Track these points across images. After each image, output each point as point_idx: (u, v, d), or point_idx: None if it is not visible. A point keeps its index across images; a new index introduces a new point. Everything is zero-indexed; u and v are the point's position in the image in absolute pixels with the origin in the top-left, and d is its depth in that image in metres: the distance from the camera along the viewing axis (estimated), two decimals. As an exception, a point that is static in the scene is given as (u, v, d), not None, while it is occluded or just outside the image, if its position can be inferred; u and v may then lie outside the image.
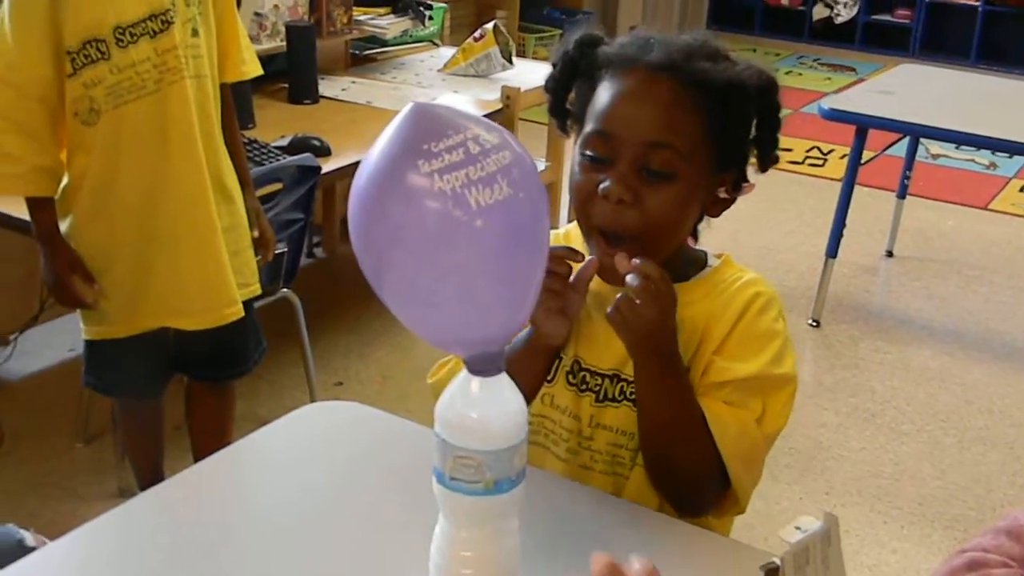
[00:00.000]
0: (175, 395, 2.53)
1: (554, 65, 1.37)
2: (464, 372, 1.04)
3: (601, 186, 1.24)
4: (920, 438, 3.16)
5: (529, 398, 1.30)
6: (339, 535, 1.23)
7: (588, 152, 1.28)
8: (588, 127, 1.29)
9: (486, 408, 1.03)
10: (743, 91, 1.27)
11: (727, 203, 1.34)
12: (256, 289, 2.34)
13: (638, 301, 1.21)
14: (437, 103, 1.05)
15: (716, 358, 1.30)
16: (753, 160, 1.34)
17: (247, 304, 2.31)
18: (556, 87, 1.37)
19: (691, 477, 1.28)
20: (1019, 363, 3.67)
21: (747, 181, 1.34)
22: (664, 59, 1.27)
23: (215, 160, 2.19)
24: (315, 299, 2.98)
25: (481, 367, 1.03)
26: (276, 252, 2.64)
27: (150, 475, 2.49)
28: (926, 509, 2.83)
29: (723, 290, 1.34)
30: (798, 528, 0.80)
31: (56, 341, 3.24)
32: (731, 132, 1.29)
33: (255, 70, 2.36)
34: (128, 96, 2.05)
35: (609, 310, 1.23)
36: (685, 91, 1.25)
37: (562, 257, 1.26)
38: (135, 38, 2.03)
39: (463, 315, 1.01)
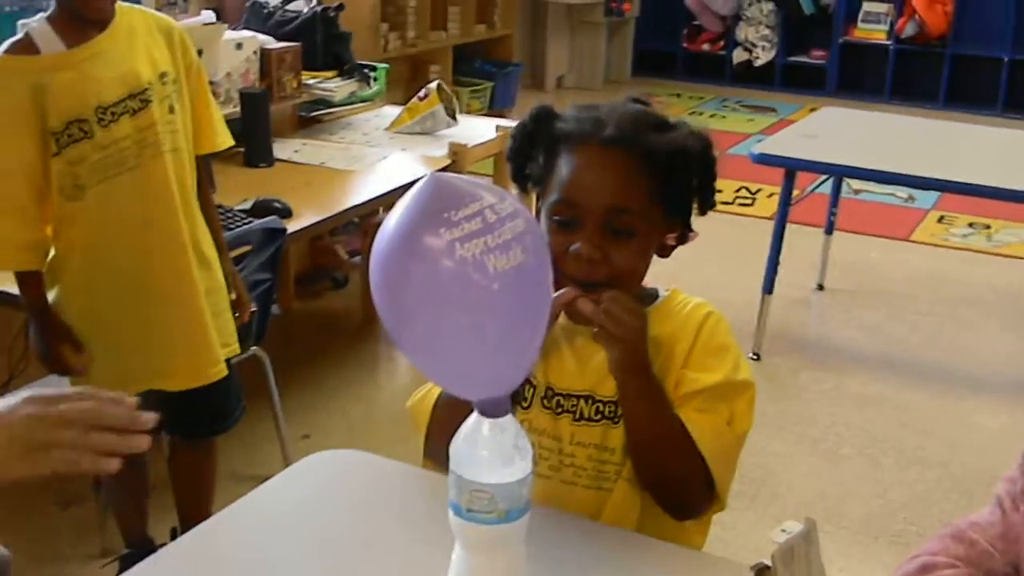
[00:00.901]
0: (154, 453, 2.61)
1: (513, 138, 1.56)
2: (474, 416, 1.17)
3: (572, 247, 1.43)
4: (860, 460, 3.34)
5: None
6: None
7: (556, 217, 1.46)
8: (554, 195, 1.47)
9: (496, 447, 1.16)
10: (685, 155, 1.48)
11: (674, 247, 1.54)
12: (236, 348, 2.46)
13: (619, 317, 1.38)
14: (451, 174, 1.18)
15: (686, 371, 1.48)
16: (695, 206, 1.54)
17: (227, 363, 2.42)
18: (516, 156, 1.56)
19: (682, 482, 1.45)
20: (947, 385, 3.89)
21: (691, 231, 1.54)
22: (616, 135, 1.45)
23: (192, 227, 2.31)
24: (275, 354, 3.07)
25: (491, 410, 1.16)
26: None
27: (138, 533, 2.58)
28: (870, 527, 2.99)
29: (677, 313, 1.54)
30: (784, 531, 0.94)
31: (23, 408, 3.28)
32: (676, 190, 1.48)
33: (227, 141, 2.48)
34: (111, 171, 2.17)
35: (595, 330, 1.40)
36: (637, 161, 1.45)
37: None
38: (116, 117, 2.15)
39: (476, 365, 1.14)
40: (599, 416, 1.50)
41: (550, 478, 1.51)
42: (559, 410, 1.51)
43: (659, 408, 1.44)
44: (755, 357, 3.94)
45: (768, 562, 0.97)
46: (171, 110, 2.24)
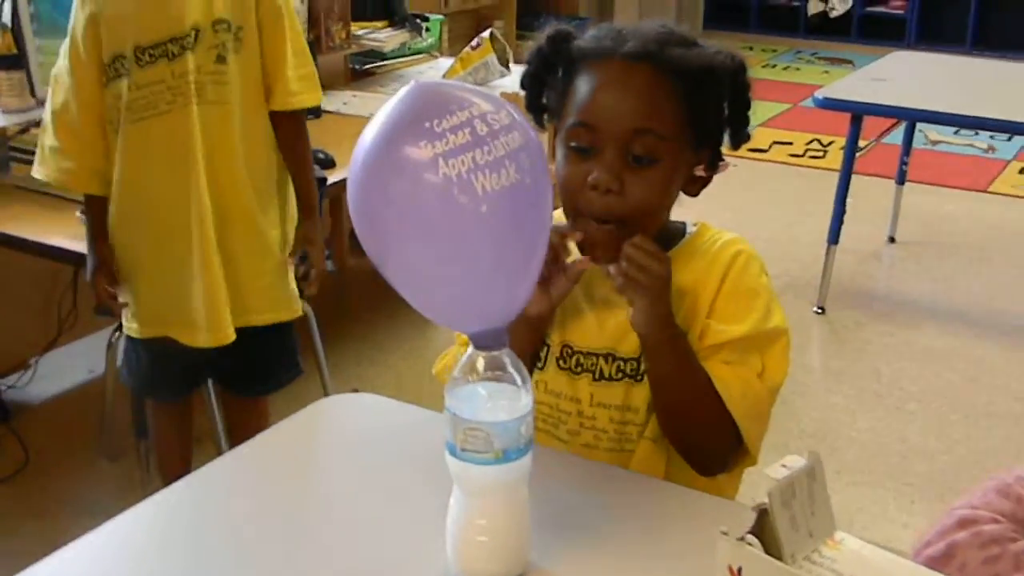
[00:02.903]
0: (201, 403, 2.60)
1: (528, 62, 1.42)
2: (470, 348, 1.09)
3: (590, 177, 1.29)
4: (926, 416, 3.21)
5: None
6: (358, 518, 1.27)
7: (573, 143, 1.32)
8: (571, 119, 1.33)
9: (492, 382, 1.08)
10: (716, 75, 1.33)
11: (704, 181, 1.39)
12: (277, 316, 2.38)
13: (643, 263, 1.26)
14: (440, 80, 1.07)
15: (710, 321, 1.35)
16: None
17: (280, 327, 2.39)
18: (531, 83, 1.42)
19: (710, 439, 1.34)
20: (1020, 342, 3.72)
21: (722, 160, 1.40)
22: (640, 48, 1.31)
23: (232, 187, 2.23)
24: (328, 311, 3.04)
25: (485, 343, 1.08)
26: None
27: (178, 479, 2.56)
28: (935, 484, 2.87)
29: (704, 252, 1.39)
30: (784, 466, 0.85)
31: (75, 364, 3.31)
32: (706, 113, 1.35)
33: (309, 100, 2.33)
34: (143, 113, 2.14)
35: (618, 282, 1.28)
36: (662, 78, 1.30)
37: (554, 233, 1.29)
38: (153, 59, 2.12)
39: (466, 295, 1.05)
40: (620, 375, 1.39)
41: (569, 442, 1.43)
42: (578, 369, 1.41)
43: (685, 364, 1.32)
44: (819, 310, 3.81)
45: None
46: (220, 59, 2.17)
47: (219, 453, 2.65)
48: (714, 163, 1.39)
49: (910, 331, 3.74)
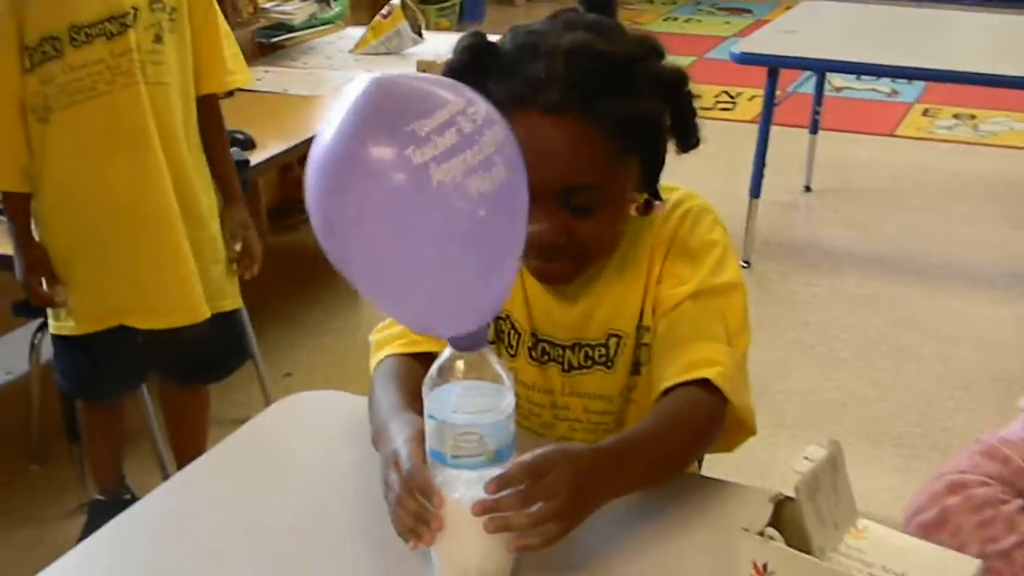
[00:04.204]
0: (133, 401, 2.52)
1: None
2: (448, 352, 1.04)
3: (533, 230, 1.13)
4: (857, 364, 3.26)
5: None
6: (340, 519, 1.24)
7: None
8: None
9: (480, 382, 1.04)
10: (650, 118, 1.23)
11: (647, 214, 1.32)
12: (223, 305, 2.34)
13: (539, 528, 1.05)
14: (398, 75, 0.97)
15: (660, 287, 1.30)
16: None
17: (224, 315, 2.33)
18: None
19: (711, 445, 1.29)
20: (941, 281, 3.80)
21: (659, 200, 1.31)
22: (561, 98, 1.18)
23: (181, 170, 2.18)
24: (253, 292, 2.95)
25: (467, 344, 1.03)
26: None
27: (112, 481, 2.49)
28: (872, 430, 2.92)
29: (653, 217, 1.33)
30: (806, 458, 0.84)
31: (-10, 365, 3.18)
32: (642, 150, 1.25)
33: (240, 80, 2.32)
34: (80, 96, 2.05)
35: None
36: (588, 128, 1.19)
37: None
38: (90, 38, 2.03)
39: (450, 300, 1.00)
40: (589, 362, 1.35)
41: (542, 435, 1.39)
42: (544, 358, 1.37)
43: (651, 473, 1.19)
44: (745, 264, 3.84)
45: (788, 493, 0.87)
46: (158, 39, 2.10)
47: (155, 449, 2.59)
48: (649, 204, 1.31)
49: (834, 279, 3.79)
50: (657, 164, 1.28)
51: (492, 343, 1.35)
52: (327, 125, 0.95)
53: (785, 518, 0.87)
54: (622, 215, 1.29)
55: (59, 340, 2.29)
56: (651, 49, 1.25)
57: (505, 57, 1.24)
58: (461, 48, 1.27)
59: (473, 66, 1.24)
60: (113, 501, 2.42)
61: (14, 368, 3.09)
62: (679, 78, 1.26)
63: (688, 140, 1.28)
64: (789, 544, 0.84)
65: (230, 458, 1.41)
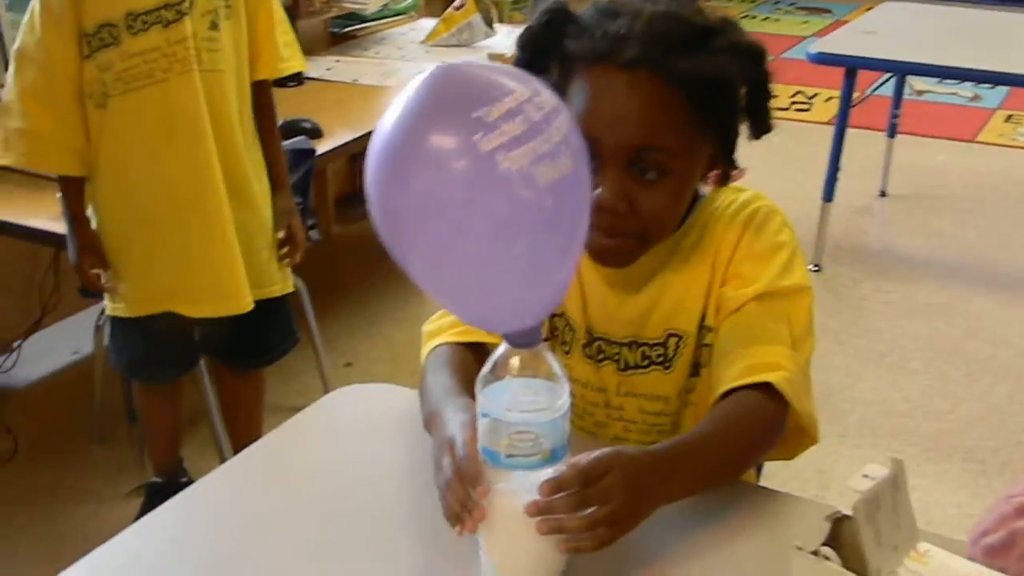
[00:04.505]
0: (192, 385, 2.53)
1: (520, 47, 1.28)
2: (502, 348, 1.01)
3: (596, 195, 1.16)
4: (929, 374, 3.18)
5: None
6: (384, 518, 1.22)
7: None
8: None
9: (535, 380, 1.01)
10: (727, 82, 1.21)
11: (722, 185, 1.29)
12: (280, 289, 2.36)
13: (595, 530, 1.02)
14: (464, 61, 0.94)
15: (724, 290, 1.26)
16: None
17: (274, 300, 2.34)
18: (525, 70, 1.28)
19: (773, 452, 1.23)
20: (1018, 292, 3.69)
21: (736, 167, 1.28)
22: (640, 55, 1.17)
23: (233, 157, 2.18)
24: (317, 282, 2.96)
25: (523, 341, 1.00)
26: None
27: (168, 463, 2.51)
28: (941, 444, 2.84)
29: (719, 218, 1.29)
30: (866, 476, 0.79)
31: (60, 345, 3.22)
32: (718, 119, 1.22)
33: (297, 66, 2.33)
34: (136, 83, 2.06)
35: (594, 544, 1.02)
36: (666, 87, 1.17)
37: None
38: (147, 26, 2.04)
39: (509, 295, 0.97)
40: (646, 362, 1.31)
41: (597, 434, 1.36)
42: (600, 357, 1.33)
43: (711, 476, 1.15)
44: (815, 268, 3.76)
45: (846, 511, 0.83)
46: (214, 26, 2.10)
47: (213, 433, 2.60)
48: (727, 174, 1.28)
49: (907, 287, 3.70)
50: (732, 137, 1.25)
51: (546, 340, 1.33)
52: (389, 113, 0.93)
53: (842, 537, 0.83)
54: (686, 192, 1.26)
55: (114, 321, 2.31)
56: (731, 23, 1.24)
57: (584, 20, 1.23)
58: (541, 13, 1.27)
59: (552, 29, 1.24)
60: (169, 483, 2.43)
61: (81, 348, 3.15)
62: (758, 50, 1.24)
63: (762, 123, 1.25)
64: (845, 566, 0.80)
65: (280, 447, 1.40)
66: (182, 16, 2.05)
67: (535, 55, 1.25)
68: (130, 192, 2.16)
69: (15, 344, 3.08)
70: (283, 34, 2.29)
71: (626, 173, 1.19)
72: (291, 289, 2.43)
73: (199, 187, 2.15)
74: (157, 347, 2.33)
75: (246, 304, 2.24)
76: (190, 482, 1.46)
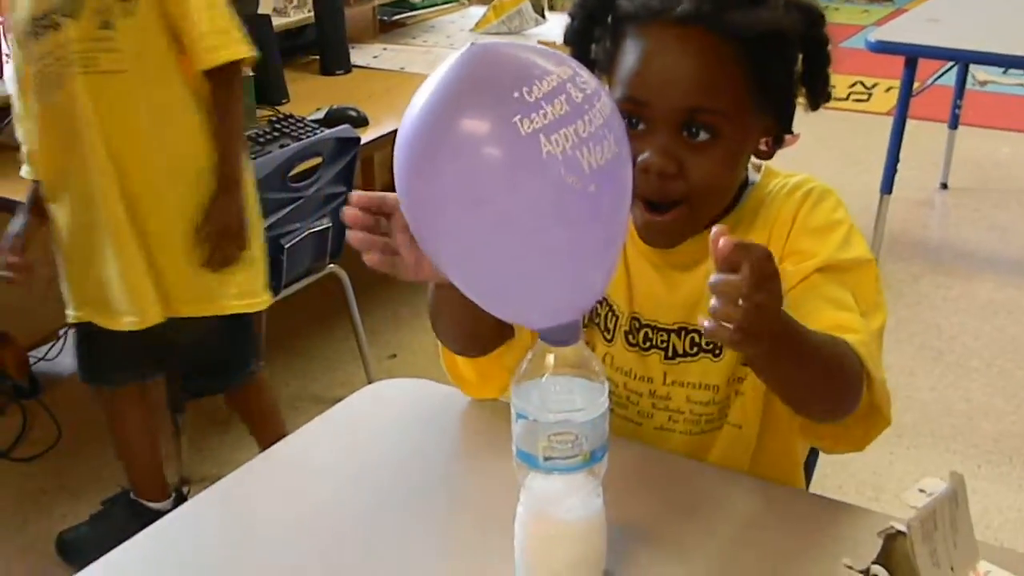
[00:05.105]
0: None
1: (571, 15, 1.25)
2: (539, 347, 0.95)
3: (640, 158, 1.12)
4: (990, 373, 3.07)
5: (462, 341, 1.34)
6: (416, 512, 1.18)
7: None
8: (618, 91, 1.16)
9: (573, 378, 0.95)
10: (784, 36, 1.16)
11: (769, 153, 1.24)
12: (202, 309, 2.20)
13: (750, 298, 0.93)
14: (497, 41, 0.89)
15: (784, 266, 1.17)
16: (802, 100, 1.23)
17: (228, 321, 2.23)
18: (577, 39, 1.25)
19: (849, 405, 1.11)
20: (1087, 290, 3.56)
21: (790, 132, 1.23)
22: (693, 10, 1.13)
23: (135, 161, 2.09)
24: (363, 271, 2.92)
25: (560, 337, 0.94)
26: (319, 228, 2.60)
27: (146, 484, 2.46)
28: (1003, 445, 2.74)
29: (772, 200, 1.24)
30: (922, 491, 0.73)
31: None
32: (774, 80, 1.18)
33: (229, 55, 2.09)
34: (45, 89, 2.08)
35: (732, 331, 0.94)
36: (721, 44, 1.13)
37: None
38: (44, 30, 2.03)
39: (552, 286, 0.91)
40: (695, 350, 1.25)
41: (641, 424, 1.30)
42: (647, 344, 1.27)
43: (805, 361, 1.05)
44: (873, 263, 3.66)
45: (900, 526, 0.76)
46: (105, 25, 2.00)
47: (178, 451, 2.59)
48: (780, 137, 1.23)
49: (969, 283, 3.59)
50: (789, 106, 1.20)
51: (586, 327, 1.29)
52: (418, 95, 0.88)
53: (895, 555, 0.76)
54: (738, 161, 1.20)
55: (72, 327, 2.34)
56: None
57: None
58: None
59: None
60: (129, 502, 2.43)
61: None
62: (817, 11, 1.19)
63: (819, 93, 1.21)
64: (898, 585, 0.73)
65: (308, 443, 1.37)
66: (66, 18, 2.01)
67: (588, 19, 1.23)
68: (52, 200, 2.17)
69: (60, 332, 3.07)
70: (212, 20, 2.08)
71: (675, 136, 1.14)
72: (249, 309, 2.25)
73: (93, 196, 2.09)
74: (97, 352, 2.31)
75: (149, 319, 2.15)
76: (180, 502, 1.43)
